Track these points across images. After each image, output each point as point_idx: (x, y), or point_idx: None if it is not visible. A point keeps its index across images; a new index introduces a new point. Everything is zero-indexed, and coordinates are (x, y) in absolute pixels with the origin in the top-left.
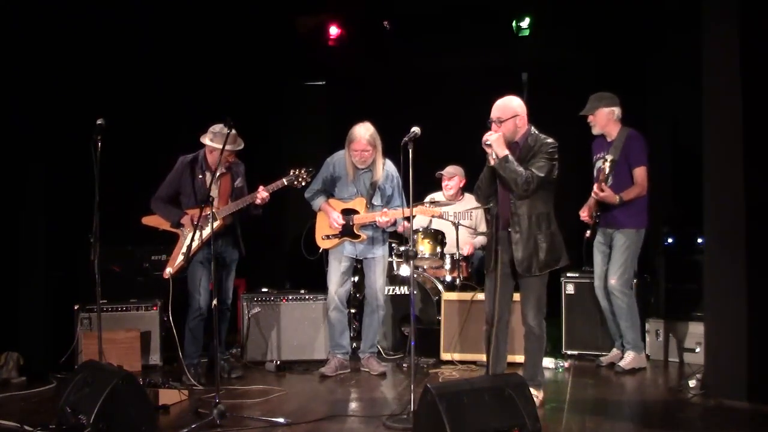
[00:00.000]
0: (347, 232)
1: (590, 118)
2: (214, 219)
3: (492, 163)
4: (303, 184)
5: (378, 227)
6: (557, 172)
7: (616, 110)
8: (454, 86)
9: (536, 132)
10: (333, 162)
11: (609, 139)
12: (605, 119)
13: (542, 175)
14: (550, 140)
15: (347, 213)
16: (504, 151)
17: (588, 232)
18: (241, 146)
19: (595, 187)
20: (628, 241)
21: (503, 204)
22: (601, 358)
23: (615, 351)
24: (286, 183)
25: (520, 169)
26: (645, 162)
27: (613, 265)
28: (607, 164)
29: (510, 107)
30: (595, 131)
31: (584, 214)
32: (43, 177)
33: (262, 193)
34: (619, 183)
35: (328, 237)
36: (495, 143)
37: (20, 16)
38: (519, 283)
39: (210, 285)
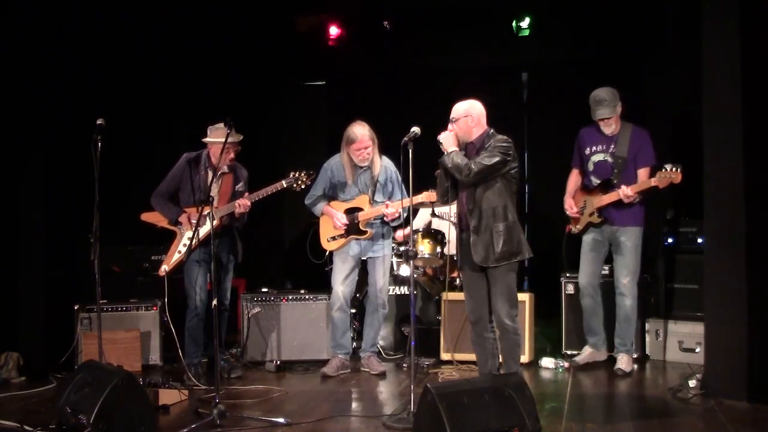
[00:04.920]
0: (353, 230)
1: (608, 120)
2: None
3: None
4: (303, 186)
5: (383, 223)
6: (515, 168)
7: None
8: (454, 86)
9: (495, 133)
10: (330, 167)
11: (609, 133)
12: (618, 115)
13: (487, 163)
14: (502, 137)
15: (351, 212)
16: (451, 147)
17: (571, 226)
18: (240, 138)
19: (628, 190)
20: (636, 239)
21: (460, 204)
22: (576, 358)
23: (588, 350)
24: (285, 185)
25: (464, 160)
26: (653, 162)
27: (627, 266)
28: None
29: (462, 108)
30: (610, 131)
31: (573, 211)
32: (43, 176)
33: (243, 201)
34: (626, 180)
35: (333, 238)
36: (444, 140)
37: (20, 14)
38: (488, 278)
39: (208, 285)
